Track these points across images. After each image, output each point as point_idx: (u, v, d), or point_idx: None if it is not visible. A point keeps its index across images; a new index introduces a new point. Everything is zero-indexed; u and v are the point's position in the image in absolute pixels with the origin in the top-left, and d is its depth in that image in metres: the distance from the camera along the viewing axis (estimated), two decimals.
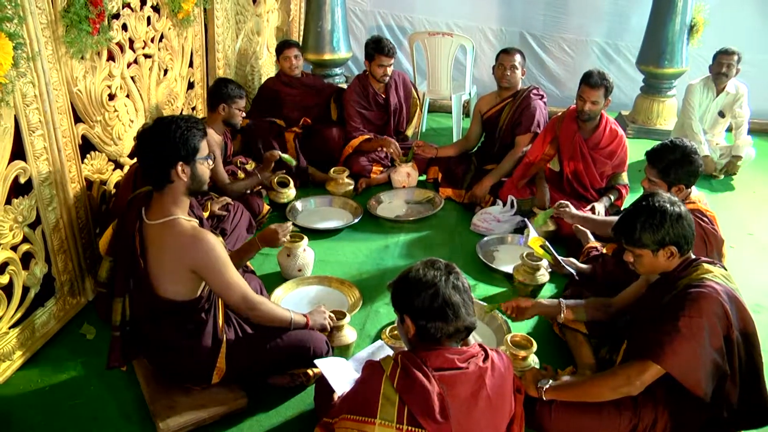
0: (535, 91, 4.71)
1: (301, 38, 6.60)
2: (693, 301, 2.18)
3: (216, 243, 2.43)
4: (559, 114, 4.34)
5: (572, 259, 3.59)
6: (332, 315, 2.95)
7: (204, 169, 2.49)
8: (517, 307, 2.82)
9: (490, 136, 4.93)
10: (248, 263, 3.64)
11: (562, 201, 3.74)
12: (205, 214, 3.72)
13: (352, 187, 4.90)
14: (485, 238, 4.18)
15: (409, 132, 5.47)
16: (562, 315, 2.81)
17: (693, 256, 2.39)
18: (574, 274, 3.44)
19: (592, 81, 3.96)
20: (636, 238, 2.36)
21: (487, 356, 2.02)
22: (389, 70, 5.03)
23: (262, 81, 5.90)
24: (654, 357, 2.19)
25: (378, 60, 4.98)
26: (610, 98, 4.04)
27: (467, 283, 2.02)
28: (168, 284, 2.48)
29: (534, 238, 3.48)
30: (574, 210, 3.68)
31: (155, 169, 2.42)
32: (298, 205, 4.65)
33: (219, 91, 4.15)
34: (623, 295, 2.77)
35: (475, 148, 5.09)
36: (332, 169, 4.87)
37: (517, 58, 4.60)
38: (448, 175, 4.93)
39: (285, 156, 4.54)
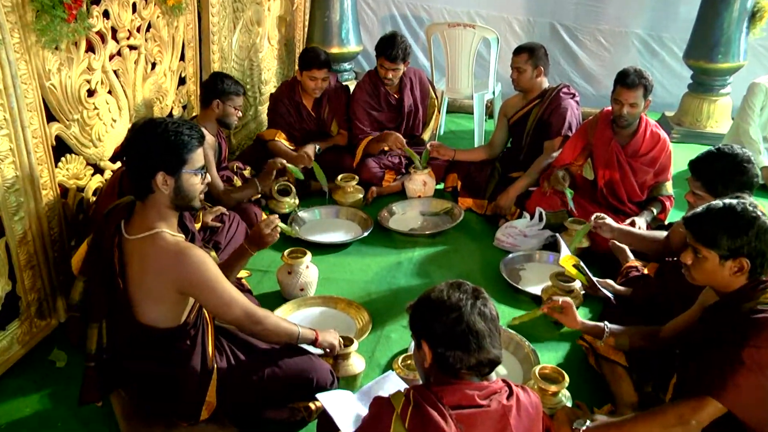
0: (565, 90, 4.69)
1: (305, 29, 6.60)
2: (759, 329, 2.12)
3: (205, 257, 2.40)
4: (591, 118, 4.32)
5: (609, 281, 3.56)
6: (339, 339, 2.92)
7: (193, 183, 2.46)
8: (567, 306, 2.85)
9: (517, 142, 4.94)
10: (244, 282, 3.68)
11: (599, 213, 3.68)
12: (197, 226, 3.72)
13: (361, 196, 4.90)
14: (510, 255, 4.18)
15: (426, 136, 5.47)
16: (604, 339, 2.77)
17: (763, 278, 2.30)
18: (611, 297, 3.41)
19: (629, 81, 3.92)
20: (709, 235, 2.27)
21: (511, 392, 2.00)
22: (395, 75, 5.06)
23: (263, 77, 5.92)
24: (713, 392, 2.12)
25: (380, 61, 5.03)
26: (650, 98, 3.99)
27: (495, 312, 2.01)
28: (150, 308, 2.45)
29: (566, 257, 3.45)
30: (613, 223, 3.62)
31: (136, 176, 2.41)
32: (301, 215, 4.69)
33: (214, 86, 4.17)
34: (674, 323, 2.71)
35: (500, 154, 5.10)
36: (339, 176, 4.88)
37: (523, 58, 4.61)
38: (468, 183, 4.93)
39: (291, 167, 4.56)
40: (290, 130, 5.14)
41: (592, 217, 3.67)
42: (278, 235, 2.97)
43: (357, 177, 4.90)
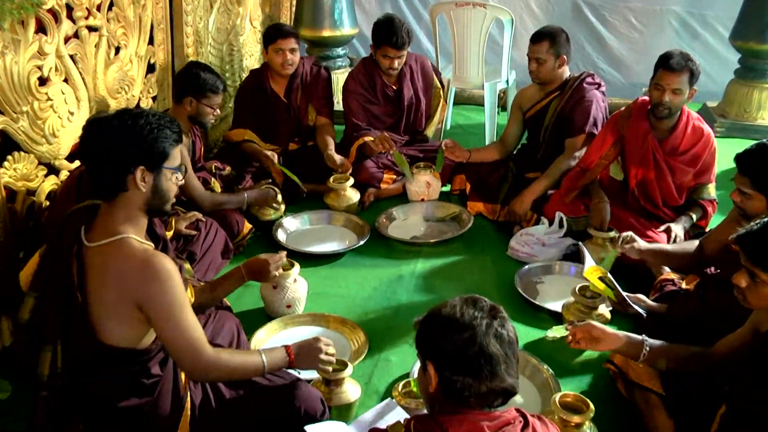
0: (589, 80, 4.69)
1: (293, 10, 6.62)
2: None
3: (174, 273, 2.37)
4: (623, 109, 4.31)
5: (641, 296, 3.55)
6: (329, 351, 2.83)
7: (170, 183, 2.48)
8: (588, 334, 2.79)
9: (534, 138, 4.96)
10: (225, 300, 3.60)
11: (627, 233, 3.65)
12: (169, 234, 3.72)
13: (356, 200, 4.90)
14: (526, 267, 4.18)
15: (430, 131, 5.49)
16: (641, 359, 2.74)
17: None
18: (644, 314, 3.40)
19: (674, 63, 3.89)
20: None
21: (527, 424, 2.00)
22: (398, 63, 5.08)
23: (244, 64, 5.94)
24: None
25: (384, 50, 5.03)
26: (695, 87, 3.98)
27: (514, 334, 2.03)
28: (113, 327, 2.42)
29: (591, 268, 3.44)
30: (642, 243, 3.59)
31: (107, 171, 2.39)
32: (288, 223, 4.70)
33: (188, 80, 4.17)
34: (728, 343, 2.66)
35: (514, 151, 5.13)
36: (332, 177, 4.88)
37: (543, 47, 4.59)
38: (478, 185, 4.94)
39: (285, 170, 4.63)
40: (260, 123, 5.15)
41: (618, 239, 3.63)
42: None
43: (352, 178, 4.90)
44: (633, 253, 3.55)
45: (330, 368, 2.79)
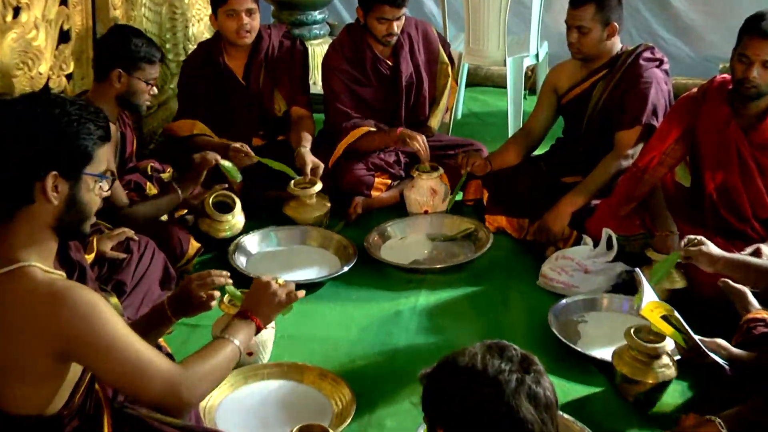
0: (647, 54, 4.69)
1: None
2: None
3: (97, 301, 2.35)
4: (695, 90, 4.30)
5: (721, 341, 3.50)
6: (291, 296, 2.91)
7: (92, 194, 2.45)
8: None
9: (572, 131, 4.98)
10: (162, 342, 3.58)
11: (694, 236, 3.65)
12: (89, 258, 3.69)
13: (325, 212, 4.93)
14: (564, 301, 4.17)
15: (434, 121, 5.52)
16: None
17: None
18: (725, 366, 3.37)
19: (766, 26, 3.86)
20: None
21: None
22: (397, 27, 5.11)
23: (190, 32, 5.98)
24: None
25: (379, 11, 5.01)
26: None
27: (553, 394, 2.03)
28: (10, 386, 2.39)
29: (651, 304, 3.41)
30: (715, 249, 3.58)
31: (6, 177, 2.36)
32: (250, 242, 4.72)
33: (114, 47, 4.15)
34: None
35: (538, 146, 5.18)
36: (293, 181, 4.89)
37: (588, 12, 4.59)
38: (499, 193, 4.96)
39: (226, 164, 4.58)
40: (212, 113, 5.17)
41: (683, 242, 3.65)
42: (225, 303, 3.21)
43: (318, 182, 4.89)
44: (703, 262, 3.55)
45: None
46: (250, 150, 4.80)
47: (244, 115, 5.22)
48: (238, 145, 4.82)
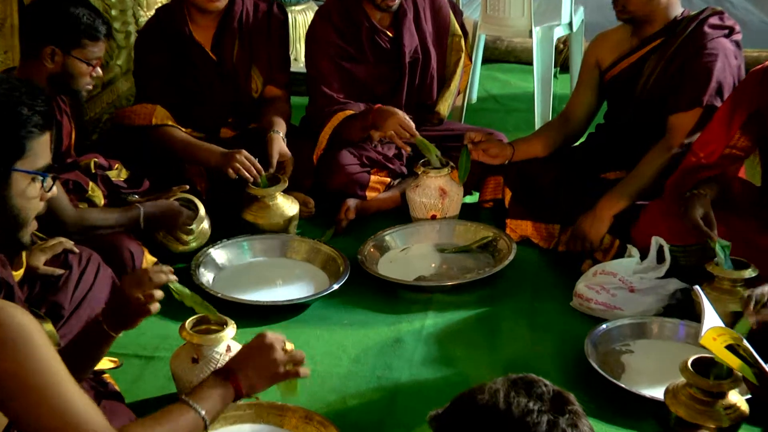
0: (714, 20, 4.68)
1: None
2: None
3: (31, 326, 2.32)
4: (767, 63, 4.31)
5: None
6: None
7: (28, 195, 2.48)
8: None
9: (617, 115, 4.99)
10: (108, 378, 3.60)
11: (761, 290, 3.63)
12: (17, 275, 3.67)
13: (291, 215, 4.95)
14: (604, 326, 4.15)
15: (444, 106, 5.57)
16: None
17: None
18: None
19: None
20: None
21: None
22: None
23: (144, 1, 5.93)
24: None
25: None
26: None
27: None
28: None
29: (714, 330, 3.38)
30: None
31: None
32: (218, 255, 4.75)
33: (48, 18, 4.15)
34: None
35: (583, 136, 5.20)
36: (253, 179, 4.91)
37: None
38: (524, 192, 4.99)
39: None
40: (176, 96, 5.19)
41: (751, 303, 3.60)
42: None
43: (284, 179, 4.91)
44: None
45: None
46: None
47: (215, 99, 5.24)
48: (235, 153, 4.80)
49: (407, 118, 4.99)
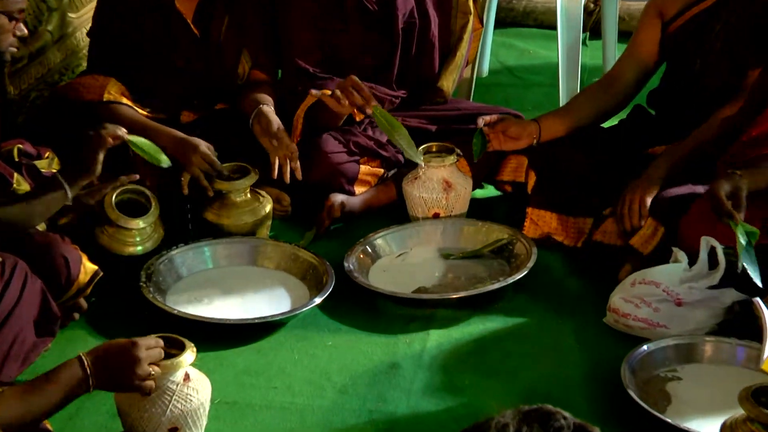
0: None
1: None
2: None
3: None
4: None
5: None
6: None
7: None
8: None
9: (679, 75, 5.02)
10: (45, 423, 3.58)
11: None
12: None
13: (264, 214, 4.99)
14: (645, 347, 4.15)
15: (448, 81, 5.63)
16: None
17: None
18: None
19: None
20: None
21: None
22: None
23: None
24: None
25: None
26: None
27: None
28: None
29: None
30: None
31: None
32: (177, 261, 4.79)
33: None
34: None
35: (629, 105, 5.23)
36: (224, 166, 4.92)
37: None
38: (552, 176, 5.03)
39: (140, 141, 4.55)
40: (139, 72, 5.19)
41: None
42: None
43: (254, 170, 4.91)
44: None
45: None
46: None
47: (188, 80, 5.29)
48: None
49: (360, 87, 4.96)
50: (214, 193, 4.87)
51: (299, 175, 4.91)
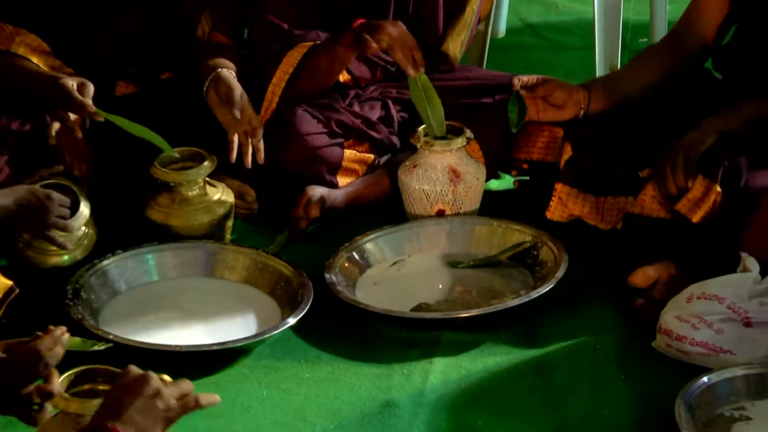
0: None
1: None
2: None
3: None
4: None
5: None
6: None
7: None
8: None
9: (753, 30, 5.04)
10: None
11: None
12: None
13: (220, 213, 4.98)
14: (705, 379, 4.09)
15: (454, 44, 5.70)
16: None
17: None
18: None
19: None
20: None
21: None
22: None
23: None
24: None
25: None
26: None
27: None
28: None
29: None
30: None
31: None
32: (112, 272, 4.77)
33: None
34: None
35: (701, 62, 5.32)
36: (160, 156, 4.93)
37: None
38: (590, 149, 5.04)
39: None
40: (73, 36, 5.19)
41: None
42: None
43: (210, 157, 4.91)
44: None
45: None
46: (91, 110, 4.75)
47: (130, 42, 5.33)
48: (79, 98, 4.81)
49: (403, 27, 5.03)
50: (160, 186, 4.85)
51: (261, 158, 4.94)
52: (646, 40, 6.51)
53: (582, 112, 5.00)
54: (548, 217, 4.91)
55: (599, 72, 5.92)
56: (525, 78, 5.06)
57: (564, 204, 4.92)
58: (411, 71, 4.95)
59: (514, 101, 5.00)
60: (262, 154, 4.90)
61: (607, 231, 4.87)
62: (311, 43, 5.14)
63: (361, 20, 5.09)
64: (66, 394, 3.54)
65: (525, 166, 5.22)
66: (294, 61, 5.12)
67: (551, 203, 4.93)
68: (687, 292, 4.33)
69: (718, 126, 4.61)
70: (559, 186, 4.95)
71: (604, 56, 6.01)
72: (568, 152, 4.99)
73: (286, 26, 5.21)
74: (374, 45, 4.96)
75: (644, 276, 4.47)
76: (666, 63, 5.09)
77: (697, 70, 5.18)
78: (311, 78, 5.13)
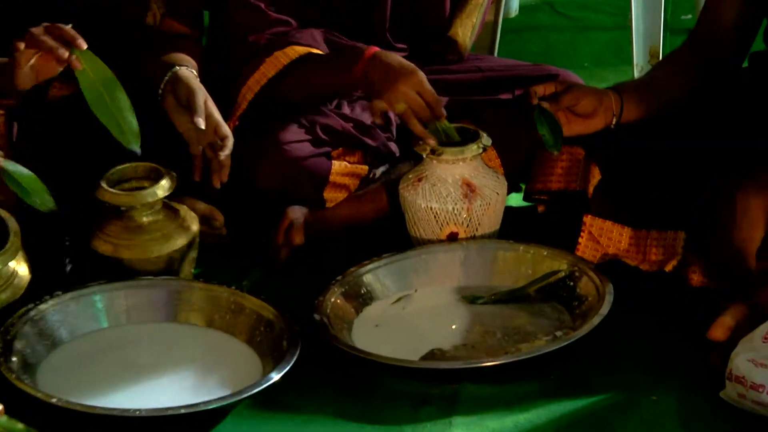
0: None
1: None
2: None
3: None
4: None
5: None
6: None
7: None
8: None
9: None
10: None
11: None
12: None
13: (183, 243, 4.95)
14: None
15: (463, 30, 5.70)
16: None
17: None
18: None
19: None
20: None
21: None
22: None
23: None
24: None
25: None
26: None
27: None
28: None
29: None
30: None
31: None
32: (47, 320, 4.68)
33: None
34: None
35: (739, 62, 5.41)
36: (109, 172, 4.93)
37: None
38: (623, 170, 5.06)
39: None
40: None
41: None
42: None
43: (169, 174, 4.90)
44: None
45: None
46: None
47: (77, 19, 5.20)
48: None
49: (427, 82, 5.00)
50: (109, 211, 4.82)
51: (225, 176, 4.88)
52: (690, 16, 6.54)
53: (614, 120, 4.98)
54: (578, 255, 4.88)
55: (637, 58, 5.92)
56: (540, 88, 5.05)
57: (596, 240, 4.92)
58: (432, 143, 4.94)
59: (539, 118, 4.96)
60: (227, 171, 4.84)
61: (651, 273, 4.84)
62: (306, 50, 5.13)
63: (375, 49, 5.08)
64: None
65: (544, 197, 5.23)
66: (280, 65, 5.11)
67: (580, 240, 4.92)
68: (762, 330, 4.25)
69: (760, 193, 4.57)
70: (588, 219, 4.95)
71: (643, 40, 6.02)
72: (596, 176, 4.99)
73: (262, 5, 5.20)
74: (384, 107, 4.95)
75: (723, 327, 4.40)
76: (693, 68, 5.12)
77: (729, 74, 5.19)
78: (298, 90, 5.15)
